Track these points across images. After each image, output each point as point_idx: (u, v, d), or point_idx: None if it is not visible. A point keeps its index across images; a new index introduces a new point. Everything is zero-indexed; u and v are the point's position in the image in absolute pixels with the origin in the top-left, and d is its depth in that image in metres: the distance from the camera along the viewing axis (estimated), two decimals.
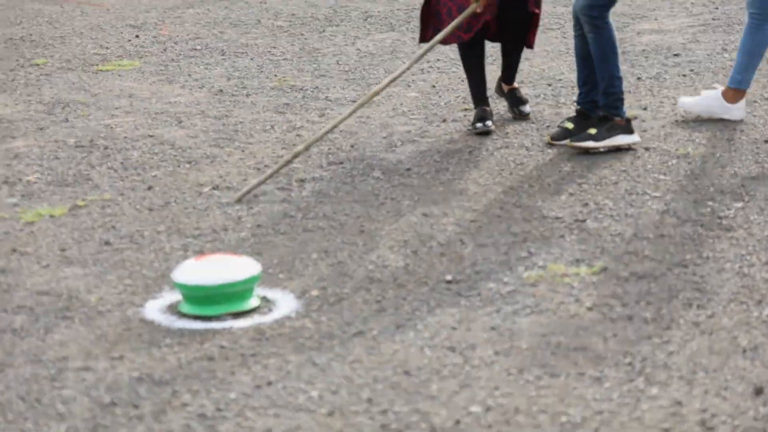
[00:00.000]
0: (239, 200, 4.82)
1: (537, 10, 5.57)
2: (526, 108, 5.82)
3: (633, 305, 3.77)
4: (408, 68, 5.29)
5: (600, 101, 5.27)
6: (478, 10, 5.24)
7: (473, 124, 5.61)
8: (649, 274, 4.00)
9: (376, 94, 5.26)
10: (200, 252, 4.29)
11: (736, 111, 5.69)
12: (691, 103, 5.75)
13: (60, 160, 5.45)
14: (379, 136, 5.67)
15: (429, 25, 5.57)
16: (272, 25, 8.54)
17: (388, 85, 5.24)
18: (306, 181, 5.06)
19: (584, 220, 4.51)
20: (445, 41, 5.42)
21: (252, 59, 7.43)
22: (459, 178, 5.06)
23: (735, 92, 5.68)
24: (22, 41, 8.25)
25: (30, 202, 4.90)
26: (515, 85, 5.86)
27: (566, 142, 5.33)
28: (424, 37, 5.61)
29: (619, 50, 5.25)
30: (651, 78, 6.55)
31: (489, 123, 5.58)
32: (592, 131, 5.24)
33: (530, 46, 5.72)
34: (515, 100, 5.82)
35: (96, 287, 4.06)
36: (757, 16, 5.60)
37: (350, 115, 5.23)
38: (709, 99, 5.72)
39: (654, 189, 4.85)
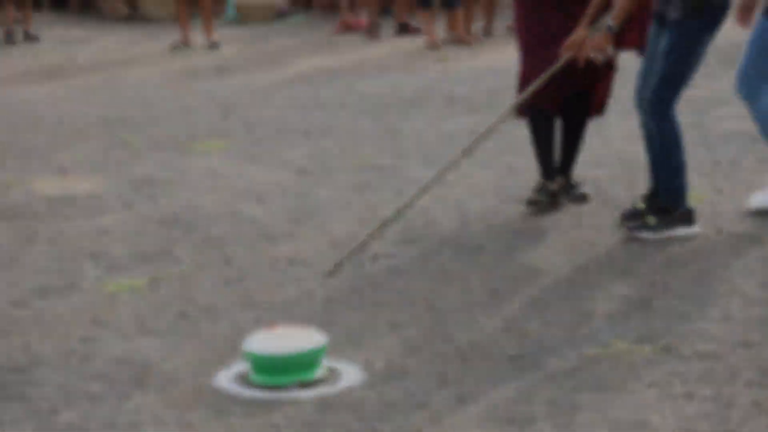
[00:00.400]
0: (331, 274, 4.93)
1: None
2: (583, 189, 5.87)
3: (693, 383, 3.79)
4: (502, 120, 5.42)
5: (661, 194, 5.30)
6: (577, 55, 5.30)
7: (537, 193, 5.70)
8: (712, 354, 4.02)
9: (480, 140, 5.43)
10: (271, 324, 4.40)
11: None
12: (759, 198, 5.72)
13: (144, 235, 5.64)
14: (453, 214, 5.79)
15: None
16: (357, 107, 8.75)
17: (483, 137, 5.44)
18: (379, 257, 5.18)
19: (651, 299, 4.55)
20: (535, 103, 5.54)
21: (335, 140, 7.62)
22: (529, 256, 5.15)
23: None
24: (116, 121, 8.56)
25: (112, 275, 5.07)
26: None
27: (624, 228, 5.36)
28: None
29: (683, 143, 5.26)
30: (728, 162, 6.57)
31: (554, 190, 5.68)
32: (651, 221, 5.25)
33: (599, 111, 5.79)
34: (570, 187, 5.87)
35: (170, 357, 4.19)
36: None
37: (447, 170, 5.44)
38: None
39: (723, 271, 4.88)
